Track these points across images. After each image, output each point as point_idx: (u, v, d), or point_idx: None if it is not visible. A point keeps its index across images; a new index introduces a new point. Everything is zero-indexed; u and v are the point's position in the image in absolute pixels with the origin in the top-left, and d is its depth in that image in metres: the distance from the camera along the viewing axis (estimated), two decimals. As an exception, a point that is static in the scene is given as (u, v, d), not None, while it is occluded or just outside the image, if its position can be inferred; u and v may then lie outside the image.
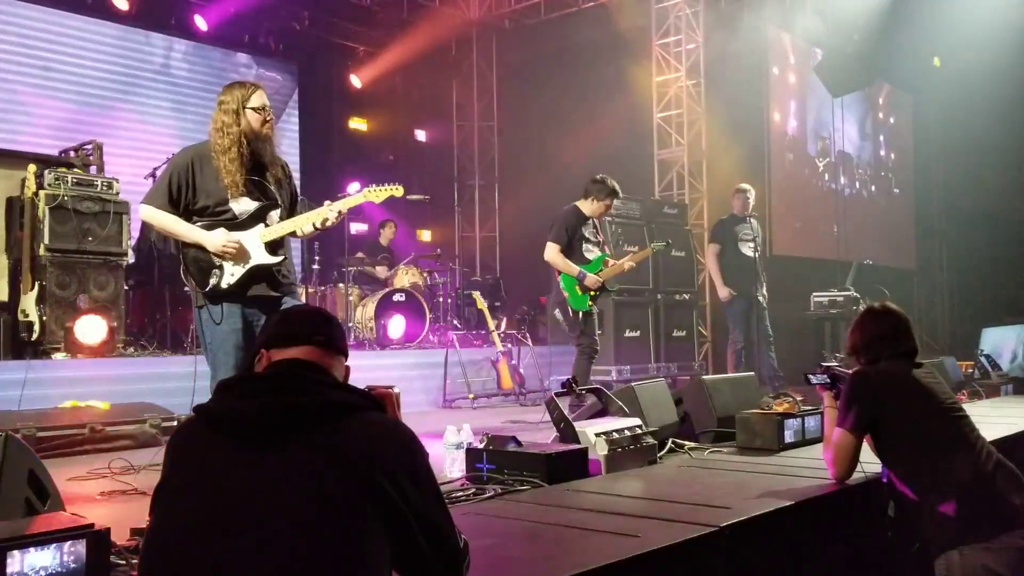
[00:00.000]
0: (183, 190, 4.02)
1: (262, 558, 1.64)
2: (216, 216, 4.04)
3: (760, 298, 8.28)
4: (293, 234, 4.24)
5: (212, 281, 4.01)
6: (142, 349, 7.52)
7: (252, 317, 4.04)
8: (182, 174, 4.02)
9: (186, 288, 4.22)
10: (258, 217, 4.10)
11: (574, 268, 6.46)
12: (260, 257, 4.07)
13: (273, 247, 4.11)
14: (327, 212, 4.15)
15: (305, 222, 4.17)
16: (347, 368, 2.04)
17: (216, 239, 3.99)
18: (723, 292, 8.38)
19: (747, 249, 8.36)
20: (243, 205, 4.07)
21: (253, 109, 4.06)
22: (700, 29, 11.28)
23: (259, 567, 1.64)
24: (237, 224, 4.06)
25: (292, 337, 1.95)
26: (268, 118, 4.11)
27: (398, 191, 4.47)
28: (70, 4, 9.86)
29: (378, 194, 4.39)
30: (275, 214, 4.15)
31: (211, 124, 4.09)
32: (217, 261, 4.02)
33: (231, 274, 4.02)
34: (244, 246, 4.04)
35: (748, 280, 8.27)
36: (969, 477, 2.99)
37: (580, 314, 6.49)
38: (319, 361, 1.92)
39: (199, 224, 4.05)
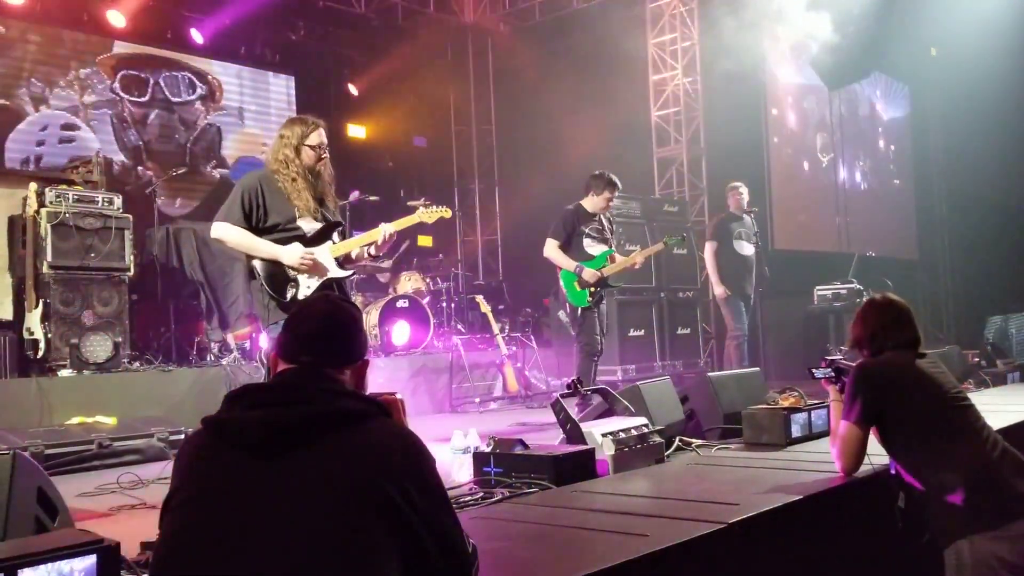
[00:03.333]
0: (255, 209, 4.26)
1: (271, 568, 1.64)
2: (287, 232, 4.29)
3: (750, 296, 8.32)
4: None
5: (290, 293, 4.24)
6: (147, 363, 7.53)
7: None
8: (253, 194, 4.27)
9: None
10: (325, 235, 4.39)
11: (570, 262, 6.49)
12: (334, 271, 4.37)
13: (341, 262, 4.42)
14: (383, 231, 4.48)
15: (367, 240, 4.52)
16: (364, 363, 2.02)
17: (294, 253, 4.24)
18: (719, 290, 8.40)
19: (742, 247, 8.38)
20: (309, 224, 4.35)
21: (310, 147, 4.39)
22: (695, 26, 11.28)
23: (268, 577, 1.65)
24: (307, 240, 4.33)
25: (296, 346, 1.95)
26: (323, 156, 4.44)
27: (447, 213, 4.86)
28: (66, 21, 9.88)
29: (430, 215, 4.79)
30: (337, 234, 4.45)
31: (271, 154, 4.43)
32: (292, 274, 4.26)
33: (307, 286, 4.27)
34: (318, 260, 4.30)
35: (744, 277, 8.30)
36: (976, 466, 2.99)
37: (579, 310, 6.50)
38: (323, 365, 1.92)
39: (267, 240, 4.28)
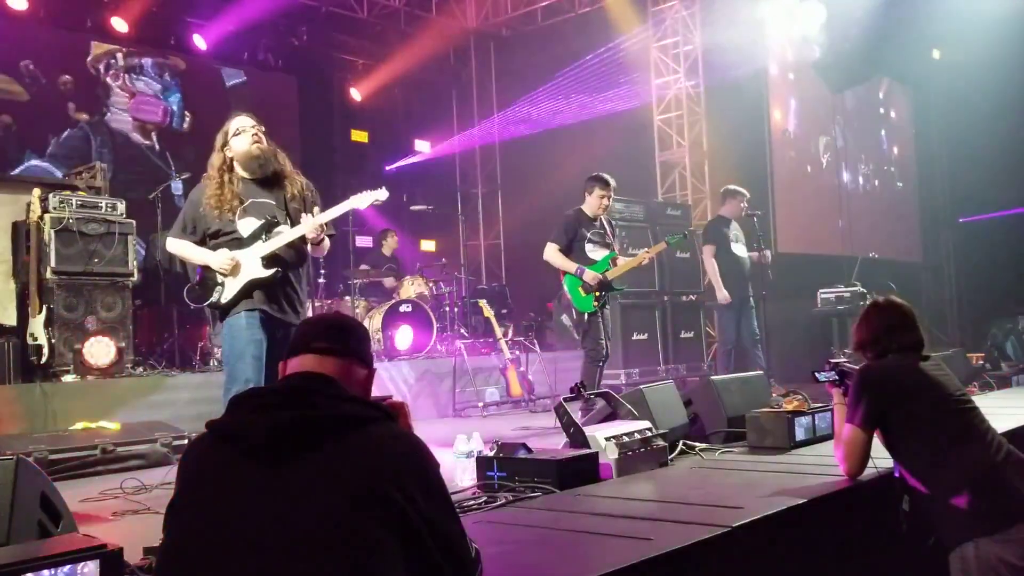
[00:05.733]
0: (196, 221, 4.41)
1: (276, 572, 1.64)
2: (226, 237, 4.35)
3: (750, 298, 8.28)
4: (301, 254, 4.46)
5: (213, 297, 4.35)
6: (151, 369, 7.54)
7: (268, 331, 4.29)
8: (193, 208, 4.44)
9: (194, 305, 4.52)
10: (258, 235, 4.35)
11: (571, 265, 6.48)
12: (255, 272, 4.31)
13: (268, 262, 4.31)
14: (306, 224, 4.30)
15: (292, 236, 4.32)
16: (370, 373, 2.03)
17: (217, 258, 4.31)
18: (722, 294, 8.33)
19: (738, 249, 8.36)
20: (248, 225, 4.36)
21: (236, 134, 4.37)
22: (697, 30, 11.29)
23: (272, 582, 1.64)
24: (241, 243, 4.35)
25: (295, 347, 1.97)
26: (254, 136, 4.37)
27: (382, 194, 4.54)
28: (70, 25, 9.90)
29: (362, 200, 4.52)
30: (278, 230, 4.34)
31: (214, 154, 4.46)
32: (220, 279, 4.33)
33: (231, 290, 4.32)
34: (240, 263, 4.31)
35: (740, 281, 8.28)
36: (980, 469, 2.98)
37: (585, 316, 6.48)
38: (329, 371, 1.92)
39: (211, 245, 4.39)
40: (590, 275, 6.42)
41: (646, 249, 7.08)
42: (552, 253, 6.56)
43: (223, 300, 4.32)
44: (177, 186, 9.89)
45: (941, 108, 14.48)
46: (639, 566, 2.37)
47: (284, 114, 11.75)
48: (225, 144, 4.39)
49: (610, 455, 3.97)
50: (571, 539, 2.80)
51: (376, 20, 12.02)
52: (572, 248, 6.57)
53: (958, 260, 15.06)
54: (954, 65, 13.32)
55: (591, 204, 6.68)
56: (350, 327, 2.05)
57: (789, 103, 12.58)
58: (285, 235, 4.33)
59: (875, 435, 3.23)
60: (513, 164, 13.33)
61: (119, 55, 10.45)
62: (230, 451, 1.77)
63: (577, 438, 4.14)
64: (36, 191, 7.02)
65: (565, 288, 6.56)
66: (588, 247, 6.59)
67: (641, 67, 11.71)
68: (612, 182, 6.74)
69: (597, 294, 6.45)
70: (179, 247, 4.46)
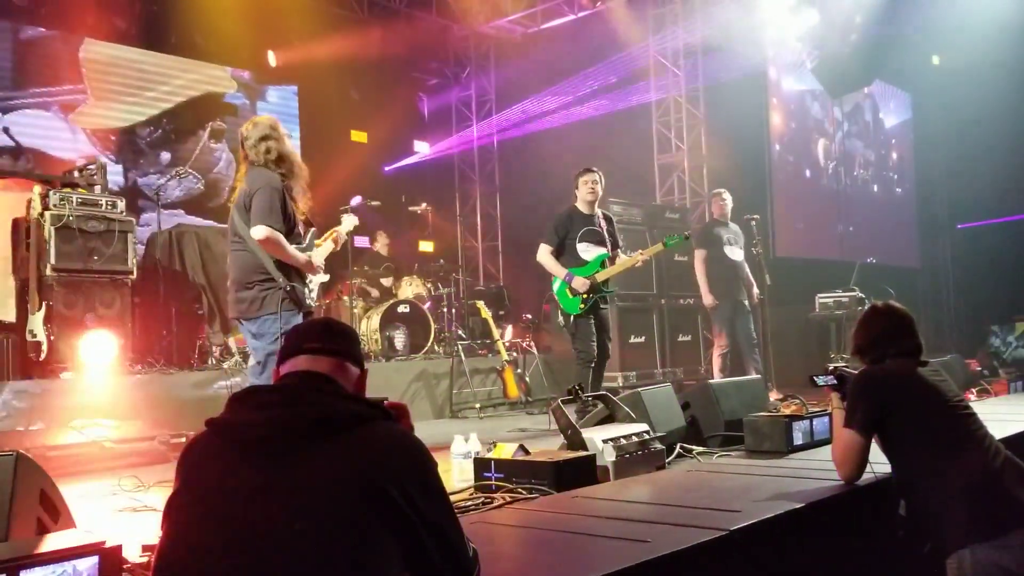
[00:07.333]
0: (288, 214, 4.38)
1: (273, 569, 1.64)
2: (294, 240, 4.45)
3: (744, 302, 8.27)
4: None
5: (306, 301, 4.43)
6: (149, 366, 7.53)
7: None
8: (283, 200, 4.36)
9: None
10: (311, 244, 4.61)
11: (560, 270, 6.40)
12: (322, 276, 4.65)
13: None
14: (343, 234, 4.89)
15: (324, 252, 4.75)
16: (362, 373, 2.04)
17: (316, 262, 4.51)
18: (708, 299, 8.33)
19: (731, 253, 8.35)
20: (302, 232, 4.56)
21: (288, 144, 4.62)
22: (697, 33, 11.30)
23: (271, 579, 1.65)
24: (304, 249, 4.52)
25: (288, 350, 1.99)
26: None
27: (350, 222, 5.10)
28: (70, 24, 9.89)
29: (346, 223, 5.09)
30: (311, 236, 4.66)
31: (272, 154, 4.42)
32: (309, 279, 4.49)
33: (312, 289, 4.55)
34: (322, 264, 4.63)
35: (732, 284, 8.26)
36: (978, 475, 2.98)
37: (572, 318, 6.39)
38: (324, 370, 1.93)
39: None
40: (579, 282, 6.33)
41: (640, 251, 6.93)
42: (544, 255, 6.48)
43: (309, 303, 4.44)
44: (174, 184, 9.91)
45: (940, 114, 14.51)
46: (636, 568, 2.37)
47: (284, 114, 11.74)
48: (281, 141, 4.47)
49: (608, 458, 3.98)
50: (568, 541, 2.80)
51: (376, 20, 12.01)
52: (564, 248, 6.49)
53: (956, 266, 15.09)
54: (954, 71, 13.35)
55: (582, 196, 6.55)
56: (340, 328, 2.06)
57: (789, 107, 12.61)
58: (329, 246, 4.79)
59: (873, 440, 3.23)
60: (511, 165, 13.33)
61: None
62: (230, 448, 1.78)
63: (574, 440, 4.15)
64: (36, 188, 7.02)
65: (553, 290, 6.52)
66: (580, 247, 6.49)
67: (640, 70, 11.73)
68: (594, 168, 6.62)
69: (584, 296, 6.35)
70: (285, 244, 4.32)
